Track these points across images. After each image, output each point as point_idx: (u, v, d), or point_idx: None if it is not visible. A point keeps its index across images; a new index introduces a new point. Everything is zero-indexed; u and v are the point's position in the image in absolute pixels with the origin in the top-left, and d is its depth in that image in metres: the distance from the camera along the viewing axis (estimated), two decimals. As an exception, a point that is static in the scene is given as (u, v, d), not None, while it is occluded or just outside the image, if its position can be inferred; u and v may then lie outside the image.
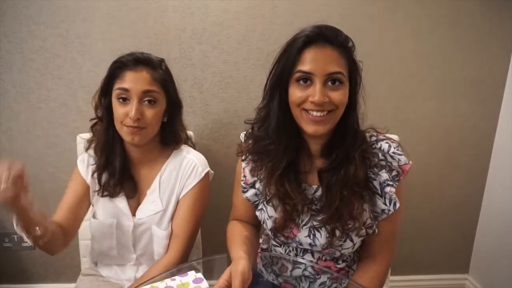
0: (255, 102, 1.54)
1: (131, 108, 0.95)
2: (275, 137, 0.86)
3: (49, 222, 0.94)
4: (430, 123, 1.58)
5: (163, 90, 1.01)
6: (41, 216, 0.89)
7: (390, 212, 0.87)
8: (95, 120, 1.06)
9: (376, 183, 0.87)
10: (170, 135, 1.08)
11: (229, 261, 0.84)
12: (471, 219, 1.73)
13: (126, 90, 0.96)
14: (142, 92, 0.96)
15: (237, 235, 0.94)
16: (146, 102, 0.97)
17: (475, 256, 1.76)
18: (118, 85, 0.97)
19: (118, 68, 0.98)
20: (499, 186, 1.61)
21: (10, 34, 1.43)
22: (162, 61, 1.05)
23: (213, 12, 1.43)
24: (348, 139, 0.85)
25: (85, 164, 1.09)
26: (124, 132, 0.98)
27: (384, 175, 0.86)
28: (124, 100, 0.97)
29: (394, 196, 0.86)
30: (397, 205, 0.87)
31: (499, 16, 1.48)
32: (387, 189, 0.86)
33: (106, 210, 1.08)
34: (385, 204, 0.87)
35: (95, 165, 1.07)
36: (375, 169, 0.87)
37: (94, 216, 1.10)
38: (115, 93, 0.98)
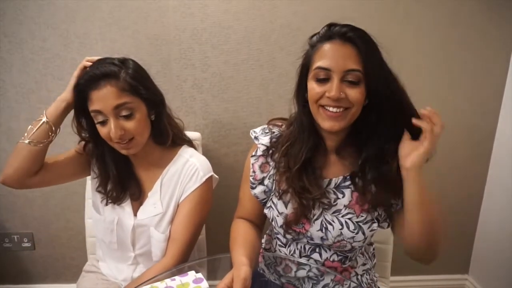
0: (255, 102, 1.57)
1: (110, 128, 0.92)
2: (298, 125, 0.90)
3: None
4: (430, 123, 1.58)
5: (136, 96, 0.94)
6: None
7: (398, 207, 0.88)
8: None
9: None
10: (158, 133, 1.04)
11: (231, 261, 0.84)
12: (471, 219, 1.73)
13: (98, 111, 0.92)
14: (114, 108, 0.91)
15: (240, 236, 0.94)
16: (123, 116, 0.93)
17: (475, 256, 1.77)
18: (90, 107, 0.93)
19: (81, 91, 0.93)
20: (499, 186, 1.61)
21: (10, 34, 1.43)
22: (123, 63, 0.96)
23: (213, 13, 1.43)
24: (373, 139, 0.86)
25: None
26: (117, 148, 0.98)
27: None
28: (102, 121, 0.94)
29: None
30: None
31: (499, 16, 1.48)
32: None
33: (108, 207, 1.09)
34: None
35: (97, 179, 1.08)
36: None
37: (97, 211, 1.11)
38: (92, 115, 0.95)
